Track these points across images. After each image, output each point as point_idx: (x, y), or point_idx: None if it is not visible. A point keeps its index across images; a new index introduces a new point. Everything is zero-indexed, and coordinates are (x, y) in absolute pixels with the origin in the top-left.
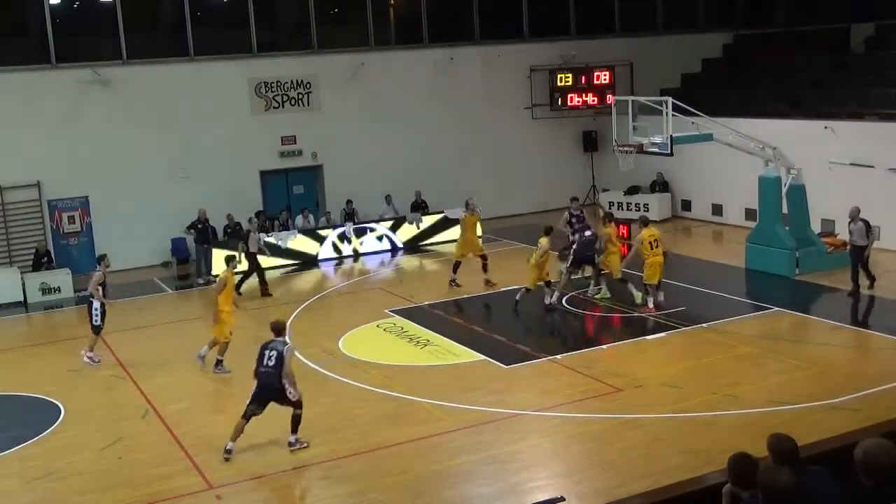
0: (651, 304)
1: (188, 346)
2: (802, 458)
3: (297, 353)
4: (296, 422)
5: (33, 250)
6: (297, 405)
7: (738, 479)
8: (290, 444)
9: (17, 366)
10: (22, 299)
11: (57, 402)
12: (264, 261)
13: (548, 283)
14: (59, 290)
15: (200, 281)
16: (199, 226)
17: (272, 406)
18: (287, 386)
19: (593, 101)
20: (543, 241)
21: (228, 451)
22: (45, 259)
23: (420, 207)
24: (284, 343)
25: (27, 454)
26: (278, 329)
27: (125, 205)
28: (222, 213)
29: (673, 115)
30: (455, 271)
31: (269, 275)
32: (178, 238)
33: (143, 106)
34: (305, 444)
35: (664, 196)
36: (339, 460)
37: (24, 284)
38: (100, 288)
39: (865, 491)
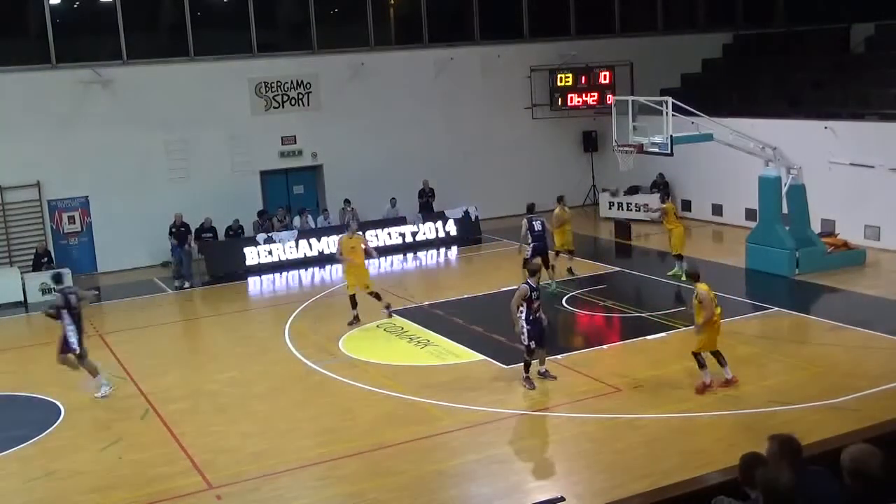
0: (729, 374)
1: (188, 346)
2: (802, 458)
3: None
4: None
5: (33, 250)
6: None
7: (748, 478)
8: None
9: (17, 366)
10: (22, 299)
11: (57, 402)
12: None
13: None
14: None
15: (177, 284)
16: (174, 230)
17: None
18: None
19: (593, 101)
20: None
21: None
22: (45, 259)
23: (425, 195)
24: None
25: (27, 454)
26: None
27: (125, 205)
28: (222, 213)
29: (673, 115)
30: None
31: (268, 275)
32: None
33: (143, 106)
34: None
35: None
36: (339, 460)
37: (24, 284)
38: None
39: (865, 491)
